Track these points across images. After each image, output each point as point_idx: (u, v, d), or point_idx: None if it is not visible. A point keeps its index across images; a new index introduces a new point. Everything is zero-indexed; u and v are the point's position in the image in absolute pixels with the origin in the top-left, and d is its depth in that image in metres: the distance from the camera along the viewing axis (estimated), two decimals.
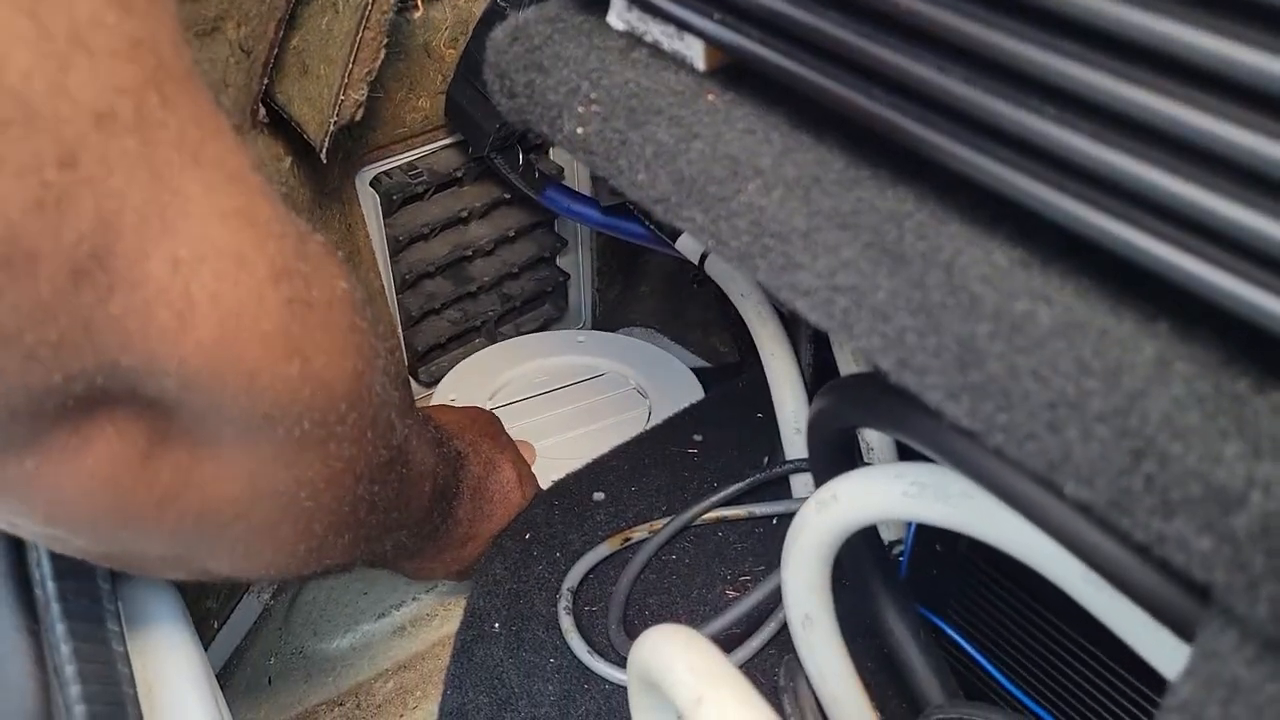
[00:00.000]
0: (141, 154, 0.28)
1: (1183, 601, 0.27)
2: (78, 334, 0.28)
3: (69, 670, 0.41)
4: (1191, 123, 0.23)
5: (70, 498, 0.34)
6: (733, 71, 0.37)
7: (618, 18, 0.40)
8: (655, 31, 0.38)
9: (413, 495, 0.53)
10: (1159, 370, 0.25)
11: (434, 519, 0.59)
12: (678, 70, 0.38)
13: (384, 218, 0.79)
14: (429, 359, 0.90)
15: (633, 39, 0.39)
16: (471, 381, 0.88)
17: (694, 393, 0.85)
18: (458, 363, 0.91)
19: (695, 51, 0.37)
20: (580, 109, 0.38)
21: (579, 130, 0.38)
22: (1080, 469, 0.26)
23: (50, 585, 0.43)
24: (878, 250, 0.29)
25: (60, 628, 0.42)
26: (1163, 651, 0.33)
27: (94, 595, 0.44)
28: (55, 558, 0.43)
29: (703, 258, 0.71)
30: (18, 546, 0.45)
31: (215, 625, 0.71)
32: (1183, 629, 0.28)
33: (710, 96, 0.36)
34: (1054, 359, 0.26)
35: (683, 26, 0.36)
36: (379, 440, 0.43)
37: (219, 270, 0.31)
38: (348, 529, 0.46)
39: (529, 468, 0.75)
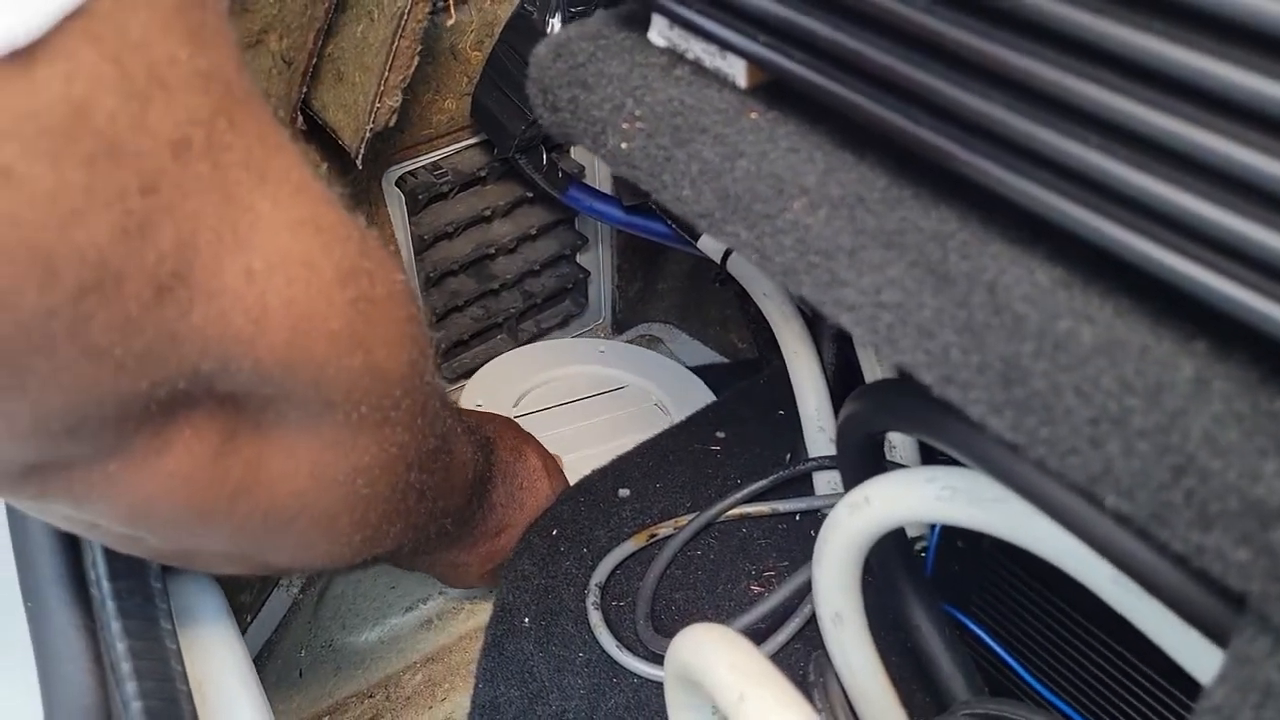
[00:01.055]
0: (214, 177, 0.30)
1: (1218, 608, 0.29)
2: (163, 345, 0.30)
3: (125, 667, 0.42)
4: (1227, 152, 0.24)
5: (150, 497, 0.36)
6: (774, 89, 0.38)
7: (659, 35, 0.41)
8: (696, 49, 0.39)
9: (456, 484, 0.55)
10: (1198, 388, 0.26)
11: (473, 505, 0.62)
12: (720, 88, 0.38)
13: (409, 217, 0.80)
14: (452, 355, 0.91)
15: (674, 56, 0.40)
16: (496, 388, 0.89)
17: None
18: (480, 359, 0.92)
19: (737, 70, 0.38)
20: (624, 125, 0.39)
21: (623, 146, 0.39)
22: (1121, 482, 0.27)
23: (105, 584, 0.44)
24: (922, 269, 0.30)
25: (115, 625, 0.44)
26: (1192, 652, 0.34)
27: (147, 594, 0.45)
28: (110, 558, 0.45)
29: (724, 256, 0.71)
30: (74, 547, 0.46)
31: (248, 619, 0.73)
32: (1217, 634, 0.29)
33: (753, 114, 0.37)
34: (1096, 377, 0.27)
35: (725, 47, 0.37)
36: (427, 427, 0.46)
37: (290, 277, 0.33)
38: (399, 517, 0.48)
39: (553, 459, 0.76)
